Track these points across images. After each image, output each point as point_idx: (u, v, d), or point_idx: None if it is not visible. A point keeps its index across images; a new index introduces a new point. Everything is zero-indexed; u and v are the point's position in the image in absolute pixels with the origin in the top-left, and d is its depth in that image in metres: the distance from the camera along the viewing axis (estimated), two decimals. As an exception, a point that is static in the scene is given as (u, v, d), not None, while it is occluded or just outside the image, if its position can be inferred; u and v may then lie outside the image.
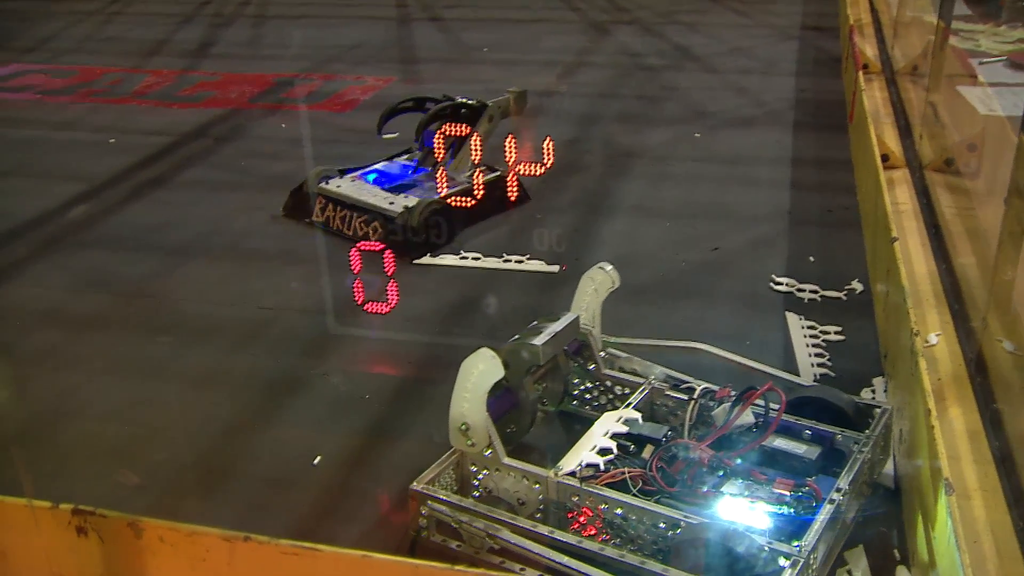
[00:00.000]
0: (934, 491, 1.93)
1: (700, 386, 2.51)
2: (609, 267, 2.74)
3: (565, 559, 2.01)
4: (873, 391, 2.83)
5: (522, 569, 2.07)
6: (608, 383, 2.69)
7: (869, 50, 5.87)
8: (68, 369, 3.17)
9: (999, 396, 2.58)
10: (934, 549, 1.90)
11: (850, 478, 2.17)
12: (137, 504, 2.49)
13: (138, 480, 2.61)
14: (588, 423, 2.43)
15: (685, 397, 2.49)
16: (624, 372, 2.71)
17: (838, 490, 2.12)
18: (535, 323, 2.57)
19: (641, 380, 2.62)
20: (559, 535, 2.09)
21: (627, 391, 2.62)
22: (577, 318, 2.62)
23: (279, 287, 3.66)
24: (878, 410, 2.44)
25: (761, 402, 2.33)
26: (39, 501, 1.81)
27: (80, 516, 1.79)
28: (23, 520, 1.82)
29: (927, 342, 2.93)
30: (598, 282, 2.71)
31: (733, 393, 2.39)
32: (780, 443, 2.29)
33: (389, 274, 3.29)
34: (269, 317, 3.46)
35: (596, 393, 2.72)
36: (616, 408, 2.51)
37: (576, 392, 2.74)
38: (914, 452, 2.28)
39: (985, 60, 4.93)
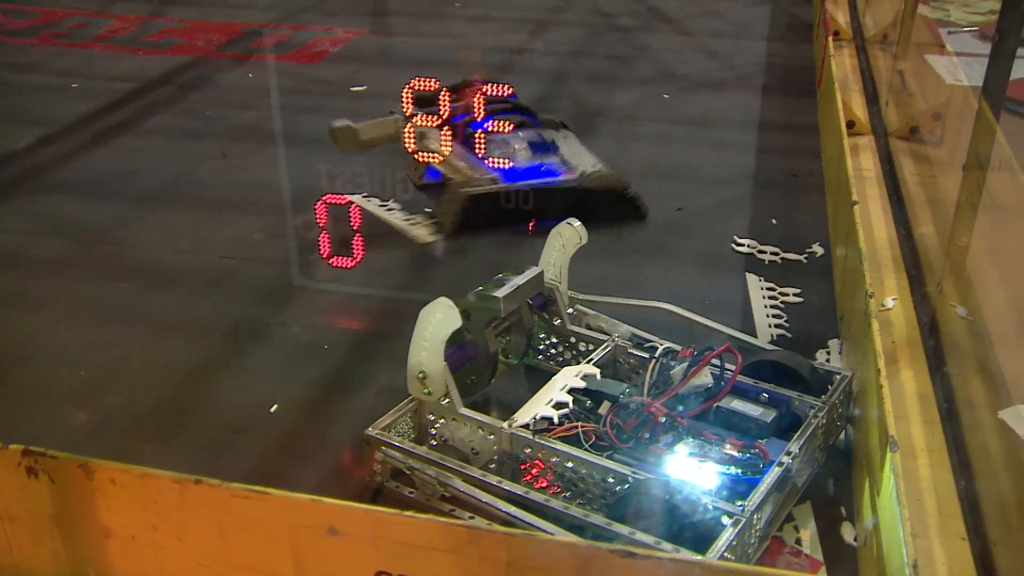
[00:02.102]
0: (880, 449, 1.96)
1: (663, 345, 2.52)
2: (577, 223, 2.74)
3: (513, 509, 2.03)
4: (828, 353, 2.87)
5: (471, 517, 2.09)
6: (572, 339, 2.69)
7: (841, 17, 5.88)
8: (28, 313, 3.14)
9: (950, 359, 2.63)
10: (877, 505, 1.94)
11: (801, 442, 2.18)
12: (94, 447, 2.49)
13: (85, 416, 2.61)
14: (551, 378, 2.43)
15: (647, 356, 2.50)
16: (591, 329, 2.72)
17: (788, 453, 2.13)
18: (499, 276, 2.57)
19: (605, 337, 2.63)
20: (507, 485, 2.11)
21: (591, 347, 2.63)
22: (541, 273, 2.62)
23: (243, 237, 3.64)
24: (838, 376, 2.45)
25: (720, 363, 2.35)
26: (-12, 441, 1.80)
27: (30, 457, 1.78)
28: (-29, 460, 1.81)
29: (883, 306, 2.97)
30: (565, 238, 2.71)
31: (696, 354, 2.41)
32: (736, 405, 2.31)
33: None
34: (232, 266, 3.44)
35: (560, 348, 2.73)
36: (579, 364, 2.52)
37: (541, 347, 2.75)
38: (863, 412, 2.31)
39: (954, 30, 4.95)
